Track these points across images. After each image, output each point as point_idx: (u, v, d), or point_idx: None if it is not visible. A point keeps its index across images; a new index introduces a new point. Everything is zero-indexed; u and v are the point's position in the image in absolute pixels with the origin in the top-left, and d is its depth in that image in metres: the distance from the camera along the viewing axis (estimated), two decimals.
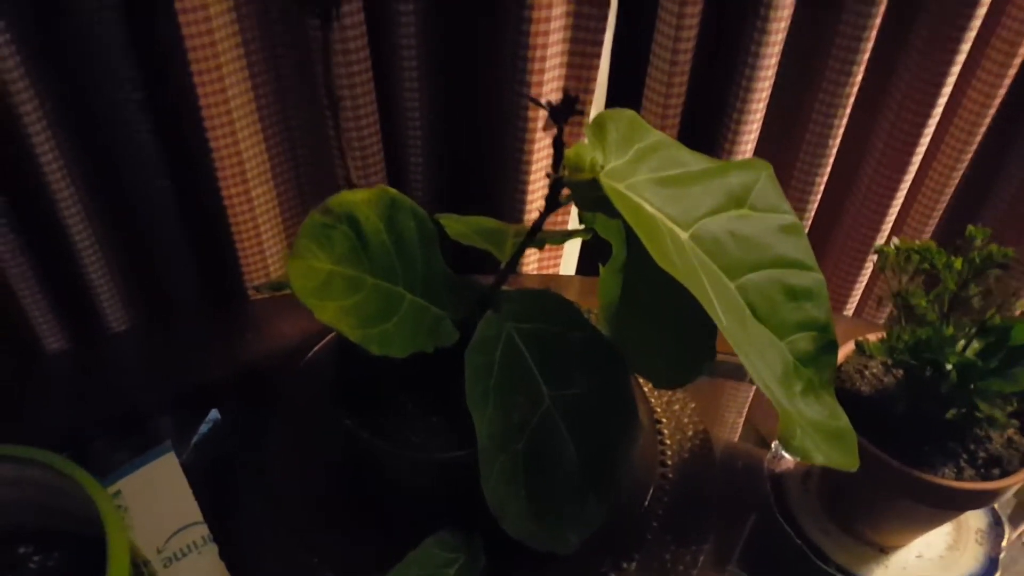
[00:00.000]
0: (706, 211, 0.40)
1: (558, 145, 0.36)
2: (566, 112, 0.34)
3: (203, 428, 0.61)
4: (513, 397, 0.44)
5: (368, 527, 0.50)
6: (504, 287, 0.46)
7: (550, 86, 0.68)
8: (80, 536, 0.41)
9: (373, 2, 0.59)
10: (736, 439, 0.61)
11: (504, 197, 0.74)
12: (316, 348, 0.58)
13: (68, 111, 0.64)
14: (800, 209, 0.81)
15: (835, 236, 0.88)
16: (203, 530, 0.52)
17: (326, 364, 0.55)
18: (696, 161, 0.41)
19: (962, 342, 0.46)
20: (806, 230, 0.83)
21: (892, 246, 0.47)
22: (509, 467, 0.44)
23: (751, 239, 0.42)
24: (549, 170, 0.36)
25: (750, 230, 0.42)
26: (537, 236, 0.43)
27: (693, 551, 0.49)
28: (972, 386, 0.45)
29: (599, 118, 0.38)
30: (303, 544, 0.49)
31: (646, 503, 0.52)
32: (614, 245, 0.48)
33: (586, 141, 0.38)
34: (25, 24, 0.58)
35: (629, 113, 0.39)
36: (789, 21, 0.66)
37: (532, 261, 0.83)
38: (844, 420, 0.42)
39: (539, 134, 0.68)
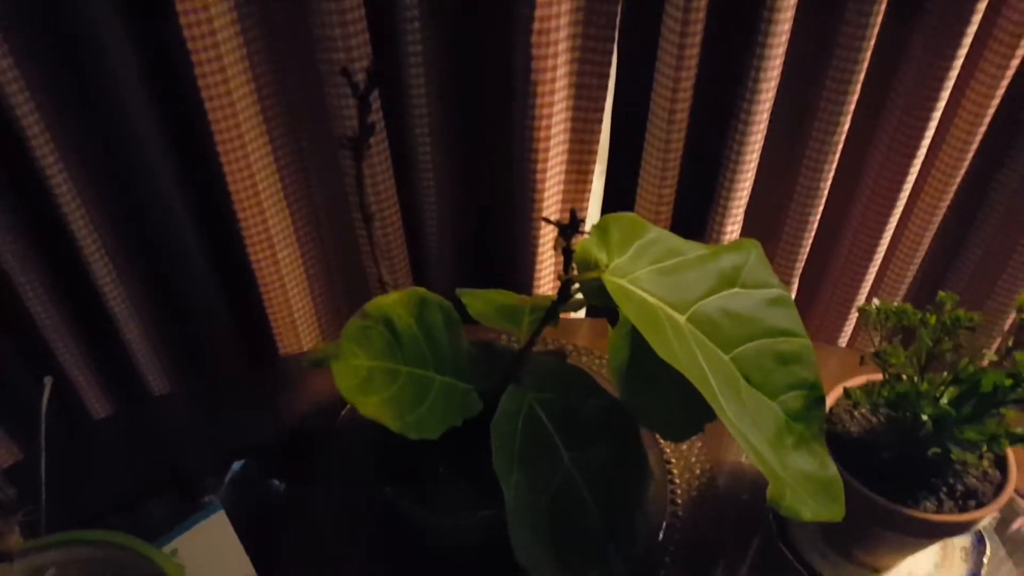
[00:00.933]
0: (701, 294, 0.45)
1: (567, 253, 0.41)
2: (573, 228, 0.39)
3: (235, 466, 0.66)
4: (536, 462, 0.49)
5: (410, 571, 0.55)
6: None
7: (555, 161, 0.74)
8: None
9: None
10: (742, 466, 0.66)
11: (518, 271, 0.80)
12: (349, 407, 0.63)
13: (104, 190, 0.69)
14: (790, 265, 0.86)
15: (822, 289, 0.93)
16: None
17: (361, 425, 0.60)
18: (691, 249, 0.46)
19: (940, 389, 0.51)
20: (795, 285, 0.88)
21: (873, 306, 0.52)
22: (535, 525, 0.49)
23: (743, 314, 0.46)
24: (559, 271, 0.40)
25: (741, 306, 0.47)
26: (554, 316, 0.48)
27: None
28: (948, 432, 0.50)
29: (603, 222, 0.43)
30: None
31: (659, 539, 0.57)
32: (620, 313, 0.52)
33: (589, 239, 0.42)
34: (57, 90, 0.63)
35: (630, 216, 0.44)
36: (775, 92, 0.71)
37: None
38: (832, 469, 0.47)
39: (544, 230, 0.74)
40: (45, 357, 0.74)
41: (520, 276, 0.82)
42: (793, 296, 0.90)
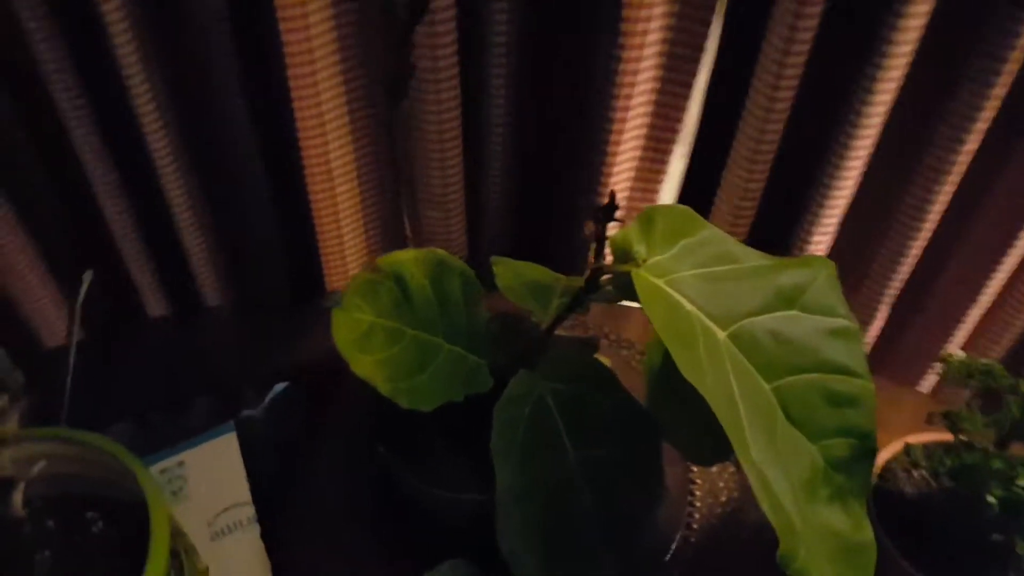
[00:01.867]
0: (751, 310, 0.40)
1: (599, 240, 0.36)
2: (608, 212, 0.35)
3: (277, 387, 0.66)
4: (537, 453, 0.45)
5: (393, 542, 0.52)
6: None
7: (632, 134, 0.68)
8: (136, 506, 0.46)
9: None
10: None
11: (572, 245, 0.75)
12: None
13: (182, 110, 0.69)
14: (877, 296, 0.77)
15: (924, 306, 0.84)
16: (250, 511, 0.56)
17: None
18: (748, 257, 0.41)
19: (1018, 470, 0.44)
20: (880, 320, 0.79)
21: (956, 358, 0.45)
22: (526, 519, 0.45)
23: (796, 341, 0.41)
24: (591, 258, 0.36)
25: (796, 332, 0.41)
26: (582, 303, 0.44)
27: None
28: (1019, 520, 0.43)
29: (649, 212, 0.38)
30: (334, 545, 0.52)
31: (665, 560, 0.52)
32: None
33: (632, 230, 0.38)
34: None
35: (681, 208, 0.39)
36: (894, 95, 0.63)
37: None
38: (867, 534, 0.42)
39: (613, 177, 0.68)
40: (111, 254, 0.76)
41: (573, 251, 0.77)
42: (877, 332, 0.81)
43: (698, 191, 0.77)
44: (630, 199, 0.76)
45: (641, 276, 0.36)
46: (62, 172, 0.70)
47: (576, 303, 0.41)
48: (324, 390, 0.64)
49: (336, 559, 0.53)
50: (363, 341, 0.39)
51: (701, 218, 0.40)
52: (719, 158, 0.73)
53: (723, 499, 0.56)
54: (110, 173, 0.70)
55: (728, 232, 0.73)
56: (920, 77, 0.63)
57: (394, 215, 0.77)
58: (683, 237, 0.39)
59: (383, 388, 0.38)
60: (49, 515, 0.46)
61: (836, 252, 0.76)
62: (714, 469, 0.58)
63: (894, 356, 0.85)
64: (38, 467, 0.42)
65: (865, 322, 0.80)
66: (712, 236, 0.40)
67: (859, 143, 0.65)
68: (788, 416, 0.41)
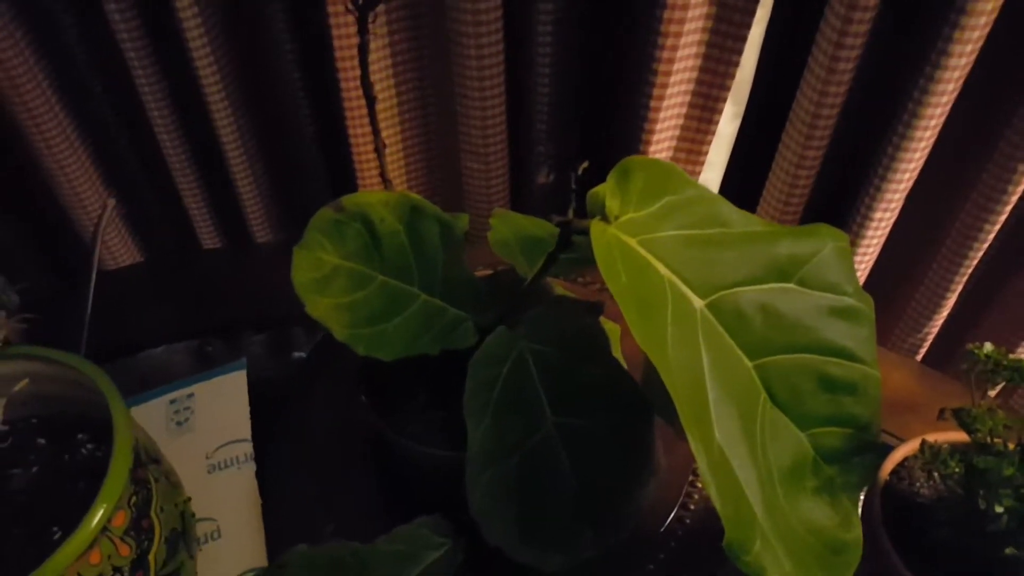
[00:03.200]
0: (737, 280, 0.36)
1: (569, 193, 0.34)
2: (579, 162, 0.32)
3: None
4: (513, 416, 0.43)
5: (377, 494, 0.52)
6: (560, 288, 0.44)
7: (677, 89, 0.64)
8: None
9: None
10: None
11: None
12: None
13: (239, 62, 0.69)
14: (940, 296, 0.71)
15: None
16: (248, 448, 0.57)
17: None
18: (741, 222, 0.37)
19: None
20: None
21: (983, 350, 0.40)
22: (498, 481, 0.44)
23: (788, 317, 0.37)
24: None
25: (790, 307, 0.37)
26: (554, 262, 0.41)
27: None
28: None
29: (625, 164, 0.35)
30: (319, 490, 0.52)
31: (651, 541, 0.50)
32: None
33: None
34: None
35: (666, 164, 0.36)
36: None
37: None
38: (855, 533, 0.38)
39: (656, 135, 0.64)
40: (169, 184, 0.78)
41: None
42: (941, 324, 0.75)
43: (750, 158, 0.72)
44: (674, 160, 0.72)
45: (600, 230, 0.33)
46: (126, 108, 0.72)
47: (549, 261, 0.39)
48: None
49: (323, 506, 0.53)
50: (323, 283, 0.38)
51: (687, 175, 0.37)
52: (776, 121, 0.68)
53: None
54: (167, 110, 0.72)
55: (780, 211, 0.69)
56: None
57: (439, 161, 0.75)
58: (666, 195, 0.36)
59: (339, 333, 0.37)
60: (40, 433, 0.47)
61: (900, 234, 0.71)
62: None
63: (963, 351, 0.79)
64: (19, 385, 0.44)
65: (930, 312, 0.74)
66: (701, 196, 0.37)
67: (931, 108, 0.59)
68: (773, 398, 0.37)
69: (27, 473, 0.45)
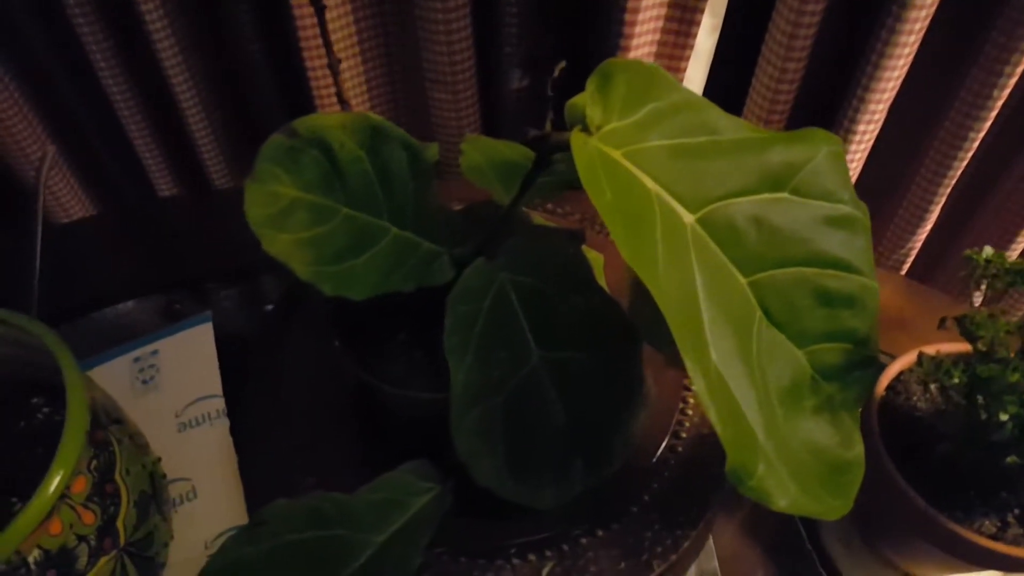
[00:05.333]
0: (729, 191, 0.34)
1: (544, 101, 0.31)
2: (550, 67, 0.29)
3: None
4: (497, 351, 0.41)
5: (358, 443, 0.50)
6: (539, 219, 0.42)
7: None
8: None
9: None
10: None
11: None
12: None
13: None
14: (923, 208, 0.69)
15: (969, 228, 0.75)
16: (219, 404, 0.55)
17: None
18: (731, 128, 0.35)
19: None
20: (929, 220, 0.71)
21: (983, 254, 0.38)
22: (484, 419, 0.42)
23: (783, 230, 0.35)
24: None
25: (784, 219, 0.35)
26: (531, 183, 0.38)
27: (676, 536, 0.46)
28: None
29: (605, 67, 0.32)
30: (296, 442, 0.50)
31: (644, 472, 0.49)
32: None
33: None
34: None
35: (649, 66, 0.33)
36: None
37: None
38: (856, 451, 0.37)
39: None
40: (119, 130, 0.74)
41: None
42: (925, 236, 0.73)
43: (730, 72, 0.69)
44: None
45: (582, 143, 0.31)
46: (66, 51, 0.67)
47: (527, 183, 0.36)
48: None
49: (301, 459, 0.50)
50: (281, 218, 0.35)
51: (673, 79, 0.34)
52: (755, 34, 0.65)
53: None
54: (110, 52, 0.67)
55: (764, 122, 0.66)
56: None
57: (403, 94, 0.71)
58: (650, 101, 0.33)
59: (301, 271, 0.34)
60: None
61: (885, 146, 0.68)
62: None
63: (945, 264, 0.78)
64: None
65: (914, 226, 0.72)
66: (687, 101, 0.34)
67: (915, 11, 0.56)
68: (768, 315, 0.35)
69: None
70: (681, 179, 0.33)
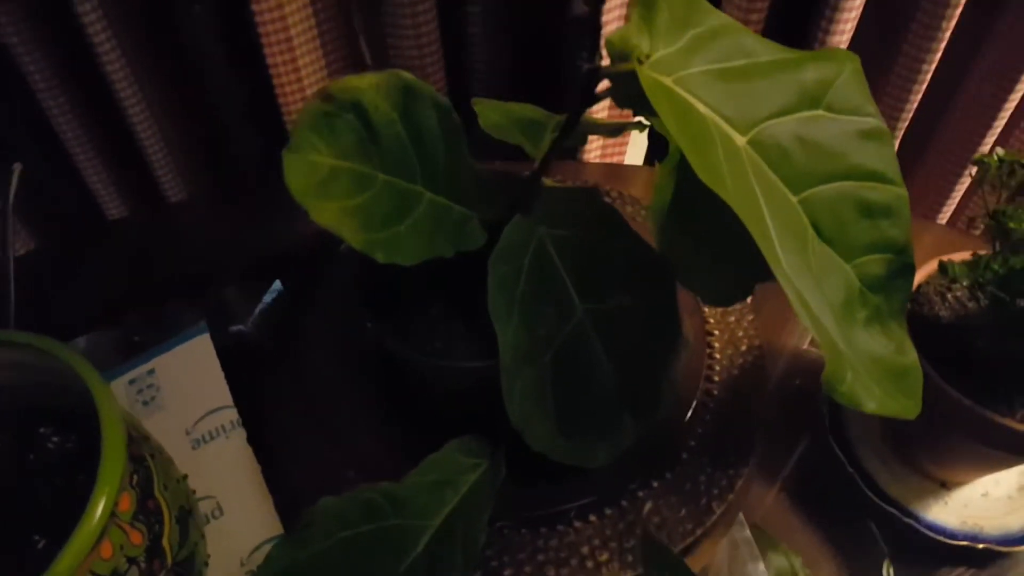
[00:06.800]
0: (772, 112, 0.34)
1: (592, 28, 0.30)
2: None
3: (267, 298, 0.60)
4: (541, 309, 0.40)
5: (394, 427, 0.48)
6: (551, 183, 0.42)
7: None
8: (94, 420, 0.41)
9: None
10: (797, 348, 0.56)
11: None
12: None
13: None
14: (895, 113, 0.72)
15: (934, 142, 0.78)
16: (232, 414, 0.52)
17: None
18: (765, 50, 0.35)
19: None
20: (898, 137, 0.74)
21: (995, 157, 0.40)
22: (534, 381, 0.41)
23: (823, 146, 0.35)
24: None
25: (823, 135, 0.36)
26: (578, 130, 0.38)
27: (731, 475, 0.46)
28: None
29: None
30: (328, 437, 0.48)
31: (686, 419, 0.49)
32: (670, 141, 0.42)
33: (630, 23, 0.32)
34: None
35: None
36: None
37: (595, 148, 0.77)
38: (912, 356, 0.37)
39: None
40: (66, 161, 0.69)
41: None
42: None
43: None
44: None
45: (646, 74, 0.30)
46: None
47: (570, 125, 0.35)
48: (308, 278, 0.59)
49: (332, 454, 0.48)
50: (323, 187, 0.33)
51: (707, 3, 0.34)
52: None
53: (744, 348, 0.52)
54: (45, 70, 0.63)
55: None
56: None
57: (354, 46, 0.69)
58: (691, 27, 0.33)
59: (354, 240, 0.33)
60: None
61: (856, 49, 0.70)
62: (732, 318, 0.54)
63: (910, 181, 0.81)
64: None
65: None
66: (723, 25, 0.34)
67: None
68: (819, 232, 0.36)
69: (6, 473, 0.39)
70: (730, 103, 0.33)
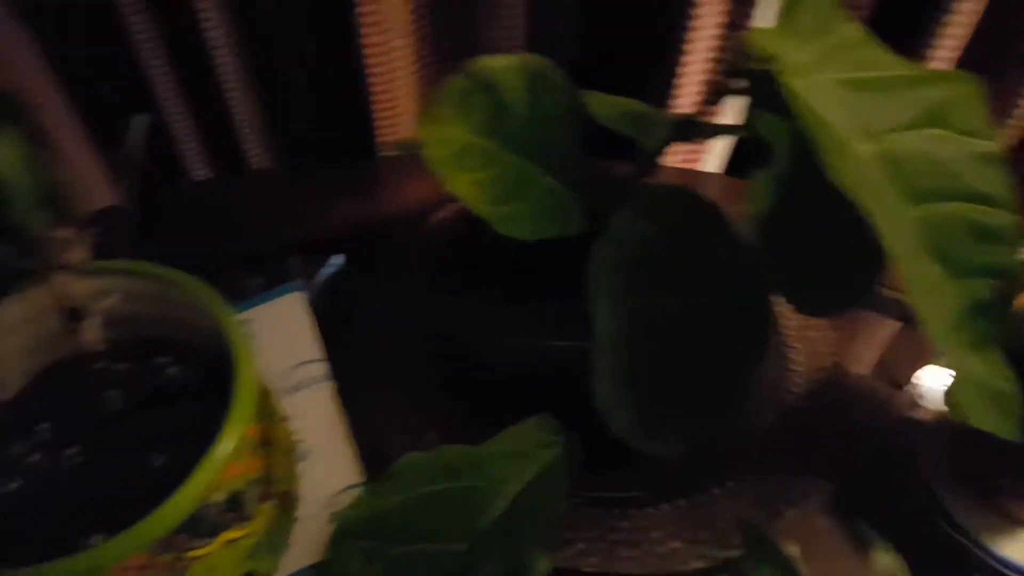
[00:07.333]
0: (897, 125, 0.35)
1: (733, 26, 0.32)
2: None
3: (325, 271, 0.63)
4: (638, 298, 0.41)
5: (475, 396, 0.50)
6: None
7: None
8: (213, 354, 0.44)
9: None
10: (866, 375, 0.56)
11: (652, 81, 0.68)
12: (439, 215, 0.57)
13: None
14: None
15: None
16: (322, 368, 0.54)
17: (444, 233, 0.54)
18: (892, 64, 0.36)
19: None
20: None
21: None
22: (623, 367, 0.42)
23: (942, 164, 0.36)
24: (719, 53, 0.31)
25: (943, 154, 0.36)
26: (690, 127, 0.39)
27: (803, 485, 0.47)
28: None
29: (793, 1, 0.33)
30: (411, 402, 0.50)
31: (765, 426, 0.49)
32: (776, 148, 0.43)
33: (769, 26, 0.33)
34: None
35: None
36: None
37: (673, 153, 0.77)
38: (1012, 383, 0.38)
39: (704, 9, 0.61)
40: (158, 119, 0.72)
41: (653, 88, 0.71)
42: None
43: None
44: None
45: (788, 78, 0.31)
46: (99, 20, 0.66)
47: (693, 121, 0.37)
48: (373, 253, 0.61)
49: (413, 415, 0.50)
50: (457, 159, 0.35)
51: (844, 11, 0.35)
52: None
53: (824, 363, 0.52)
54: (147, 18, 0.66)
55: None
56: None
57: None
58: (826, 34, 0.34)
59: (482, 210, 0.35)
60: (119, 357, 0.44)
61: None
62: (813, 333, 0.54)
63: None
64: (110, 301, 0.40)
65: None
66: (853, 35, 0.35)
67: None
68: (932, 249, 0.36)
69: (122, 396, 0.42)
70: (856, 112, 0.34)
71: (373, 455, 0.50)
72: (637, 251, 0.41)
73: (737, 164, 0.79)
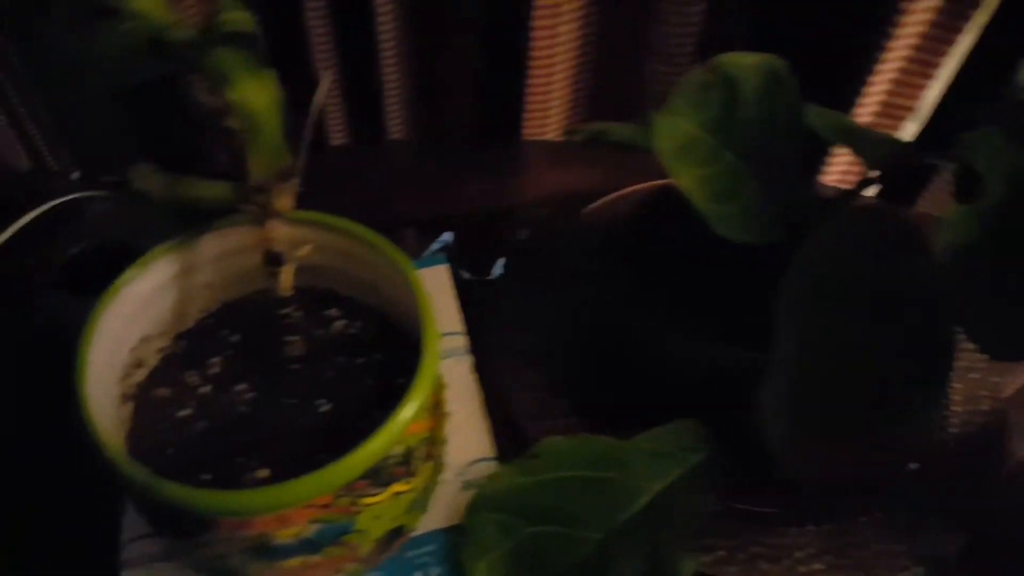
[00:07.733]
0: None
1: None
2: None
3: (433, 246, 0.63)
4: (827, 319, 0.41)
5: (624, 389, 0.50)
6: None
7: None
8: (382, 312, 0.45)
9: None
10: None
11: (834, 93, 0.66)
12: (598, 205, 0.57)
13: None
14: None
15: None
16: (461, 340, 0.55)
17: (609, 223, 0.54)
18: None
19: None
20: None
21: None
22: (796, 386, 0.41)
23: None
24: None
25: None
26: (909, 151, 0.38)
27: (948, 531, 0.45)
28: None
29: None
30: (549, 383, 0.50)
31: (915, 463, 0.48)
32: (990, 182, 0.41)
33: None
34: None
35: None
36: None
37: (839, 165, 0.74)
38: None
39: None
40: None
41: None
42: None
43: None
44: None
45: None
46: None
47: (909, 147, 0.35)
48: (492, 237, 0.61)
49: (558, 403, 0.51)
50: (683, 152, 0.35)
51: None
52: None
53: (984, 407, 0.51)
54: None
55: None
56: None
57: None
58: None
59: (704, 206, 0.34)
60: (299, 305, 0.45)
61: None
62: (974, 375, 0.52)
63: None
64: (305, 250, 0.41)
65: None
66: None
67: None
68: None
69: (302, 342, 0.43)
70: None
71: (504, 431, 0.50)
72: (836, 271, 0.40)
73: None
